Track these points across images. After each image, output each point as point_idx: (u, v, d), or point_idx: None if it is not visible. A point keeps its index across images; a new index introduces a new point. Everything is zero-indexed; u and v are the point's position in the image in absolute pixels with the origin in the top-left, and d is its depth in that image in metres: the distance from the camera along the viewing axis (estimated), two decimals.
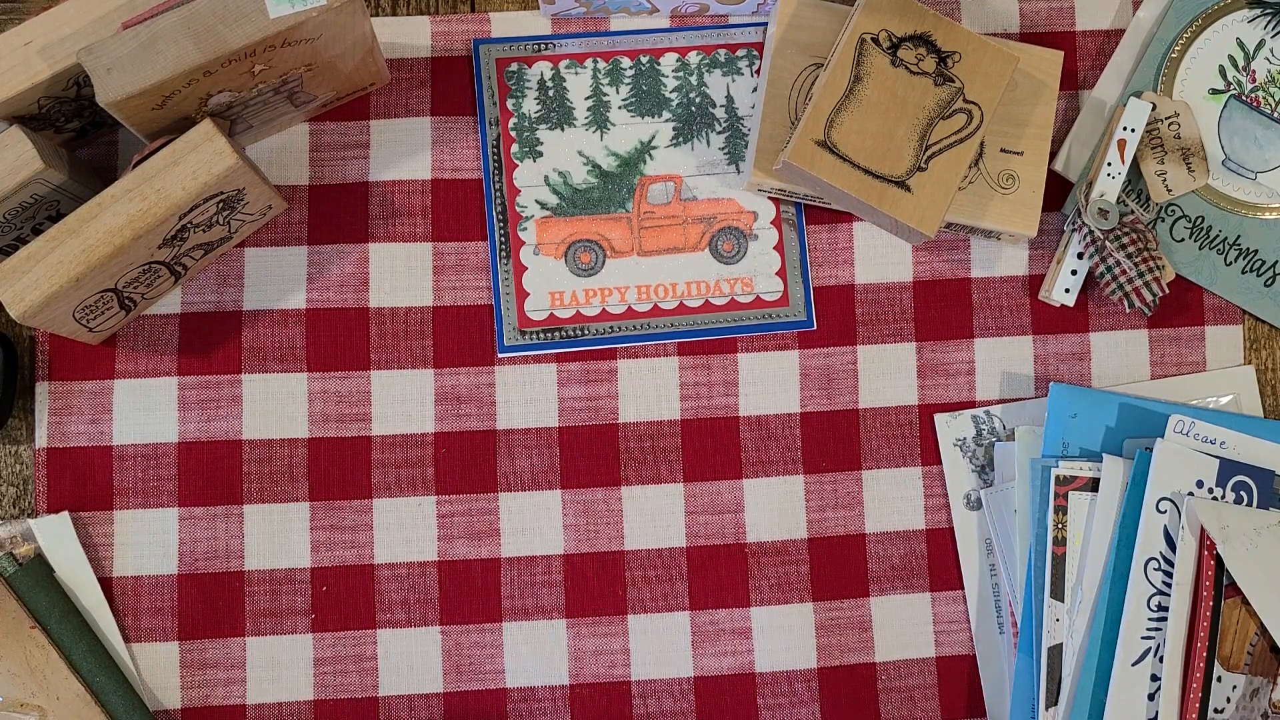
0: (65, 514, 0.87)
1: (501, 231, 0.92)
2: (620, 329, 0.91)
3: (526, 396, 0.91)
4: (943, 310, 0.93)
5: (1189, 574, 0.84)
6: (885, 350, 0.92)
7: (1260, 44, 0.94)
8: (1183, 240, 0.93)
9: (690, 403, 0.91)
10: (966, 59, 0.88)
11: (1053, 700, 0.85)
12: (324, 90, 0.88)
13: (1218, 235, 0.93)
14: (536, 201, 0.92)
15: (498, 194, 0.92)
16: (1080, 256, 0.91)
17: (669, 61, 0.94)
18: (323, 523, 0.89)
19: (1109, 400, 0.89)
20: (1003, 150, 0.90)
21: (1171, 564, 0.84)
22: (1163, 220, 0.93)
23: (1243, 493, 0.86)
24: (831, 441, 0.92)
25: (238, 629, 0.88)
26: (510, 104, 0.93)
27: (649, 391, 0.91)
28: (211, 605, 0.88)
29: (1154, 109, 0.93)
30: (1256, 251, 0.93)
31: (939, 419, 0.92)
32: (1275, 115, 0.94)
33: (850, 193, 0.86)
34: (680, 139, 0.93)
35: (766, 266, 0.92)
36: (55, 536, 0.87)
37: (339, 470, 0.90)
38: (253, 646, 0.88)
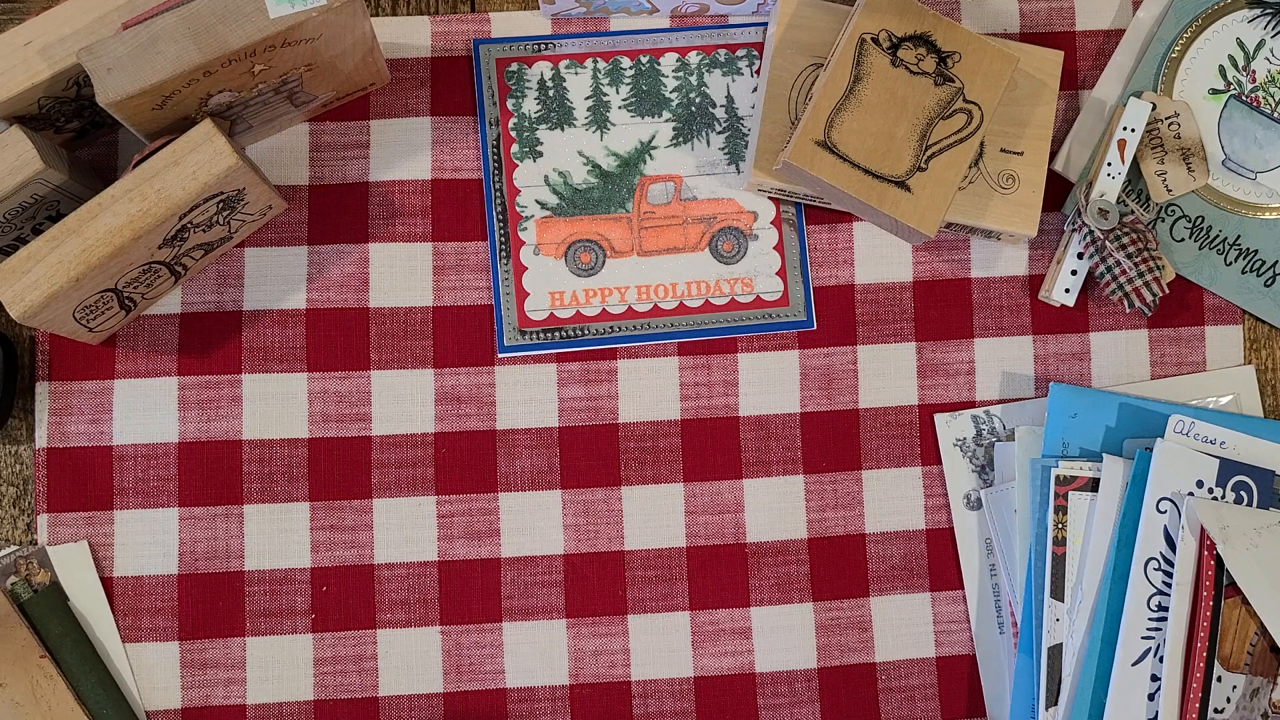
0: (84, 542, 0.87)
1: (501, 231, 0.92)
2: (620, 329, 0.91)
3: (526, 396, 0.91)
4: (943, 310, 0.93)
5: (1189, 574, 0.84)
6: (885, 350, 0.92)
7: (1260, 44, 0.94)
8: (1183, 240, 0.93)
9: (690, 403, 0.91)
10: (966, 59, 0.88)
11: (1053, 700, 0.85)
12: (324, 90, 0.88)
13: (1218, 235, 0.93)
14: (536, 201, 0.92)
15: (498, 194, 0.92)
16: (1080, 256, 0.91)
17: (669, 61, 0.94)
18: (323, 523, 0.89)
19: (1109, 400, 0.89)
20: (1003, 150, 0.90)
21: (1171, 564, 0.84)
22: (1163, 220, 0.93)
23: (1243, 493, 0.86)
24: (831, 441, 0.92)
25: (238, 629, 0.88)
26: (510, 104, 0.93)
27: (649, 391, 0.91)
28: (211, 605, 0.88)
29: (1154, 109, 0.93)
30: (1256, 251, 0.93)
31: (939, 419, 0.92)
32: (1275, 115, 0.94)
33: (850, 193, 0.86)
34: (680, 139, 0.93)
35: (766, 266, 0.92)
36: (72, 565, 0.87)
37: (339, 470, 0.90)
38: (253, 646, 0.88)
